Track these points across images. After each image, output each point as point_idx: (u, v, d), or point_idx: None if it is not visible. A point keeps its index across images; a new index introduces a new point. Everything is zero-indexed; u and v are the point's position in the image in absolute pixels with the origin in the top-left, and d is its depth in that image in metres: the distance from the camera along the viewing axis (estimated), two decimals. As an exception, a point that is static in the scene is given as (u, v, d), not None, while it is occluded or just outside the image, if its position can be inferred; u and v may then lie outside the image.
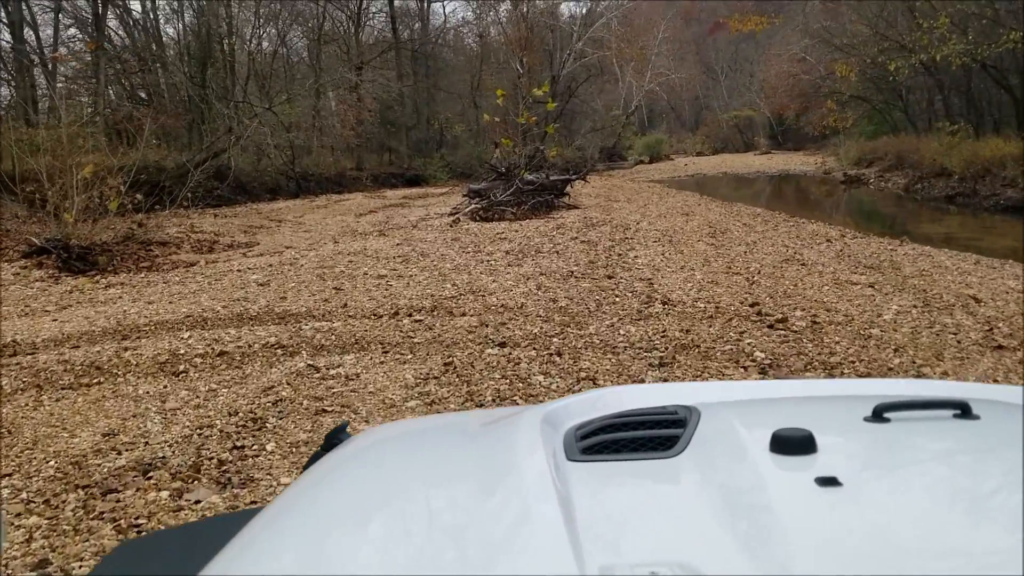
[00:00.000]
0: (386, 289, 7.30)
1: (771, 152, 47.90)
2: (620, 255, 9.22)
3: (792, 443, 0.84)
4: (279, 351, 5.19)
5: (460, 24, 37.47)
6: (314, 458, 1.17)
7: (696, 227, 12.07)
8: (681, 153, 49.50)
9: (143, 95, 27.10)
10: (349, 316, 6.23)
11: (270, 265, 8.99)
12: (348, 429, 1.31)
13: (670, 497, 0.83)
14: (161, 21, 27.05)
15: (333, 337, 5.53)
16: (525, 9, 34.70)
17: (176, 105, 23.50)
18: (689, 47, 57.03)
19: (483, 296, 6.91)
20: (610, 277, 7.74)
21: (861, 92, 28.62)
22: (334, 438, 1.25)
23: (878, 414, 0.95)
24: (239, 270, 8.74)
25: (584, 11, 38.54)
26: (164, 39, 26.93)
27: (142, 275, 8.79)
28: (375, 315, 6.25)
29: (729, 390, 1.34)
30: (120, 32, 25.89)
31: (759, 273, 7.85)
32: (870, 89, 28.00)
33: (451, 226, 12.67)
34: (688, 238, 10.75)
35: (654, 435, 0.96)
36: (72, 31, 26.11)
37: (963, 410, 0.97)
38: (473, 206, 14.26)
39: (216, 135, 19.71)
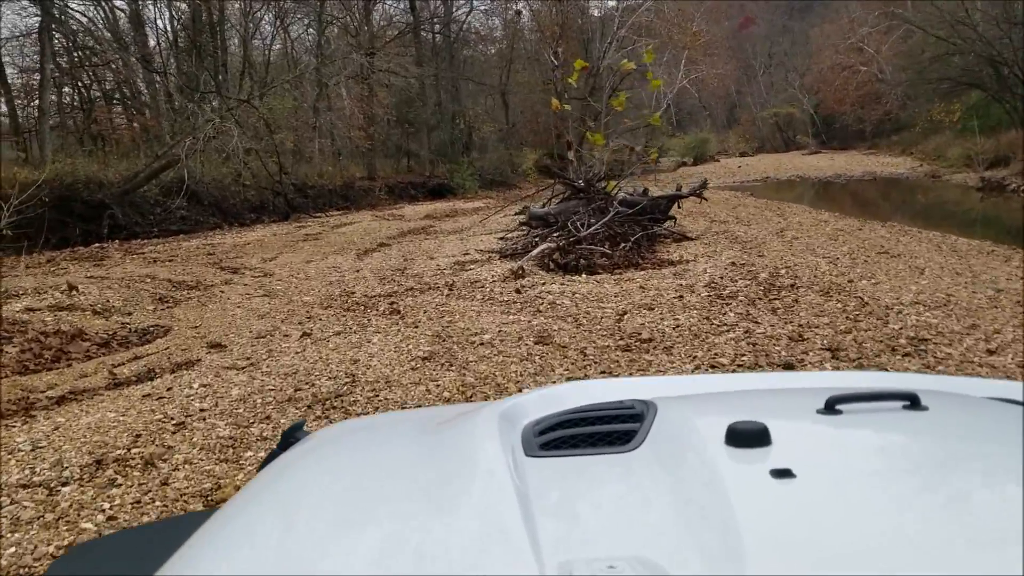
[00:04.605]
0: None
1: (821, 151, 41.69)
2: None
3: (747, 436, 0.80)
4: None
5: (489, 6, 31.63)
6: (271, 456, 1.06)
7: (954, 290, 6.26)
8: (722, 154, 43.47)
9: (124, 92, 21.64)
10: None
11: (93, 458, 3.26)
12: (305, 427, 1.16)
13: (628, 492, 0.78)
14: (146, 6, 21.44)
15: None
16: (560, -8, 28.97)
17: (139, 102, 17.86)
18: (720, 43, 51.54)
19: None
20: None
21: (971, 79, 22.66)
22: (291, 436, 1.11)
23: (830, 406, 0.91)
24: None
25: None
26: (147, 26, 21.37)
27: None
28: None
29: (685, 384, 1.25)
30: (82, 11, 20.26)
31: None
32: (984, 75, 22.06)
33: (517, 289, 6.89)
34: (1005, 328, 4.95)
35: (611, 430, 0.91)
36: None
37: (912, 402, 0.93)
38: (541, 245, 8.46)
39: (176, 138, 14.02)
